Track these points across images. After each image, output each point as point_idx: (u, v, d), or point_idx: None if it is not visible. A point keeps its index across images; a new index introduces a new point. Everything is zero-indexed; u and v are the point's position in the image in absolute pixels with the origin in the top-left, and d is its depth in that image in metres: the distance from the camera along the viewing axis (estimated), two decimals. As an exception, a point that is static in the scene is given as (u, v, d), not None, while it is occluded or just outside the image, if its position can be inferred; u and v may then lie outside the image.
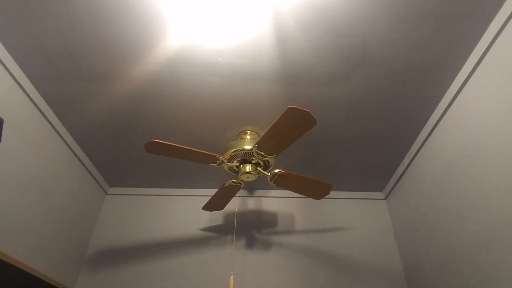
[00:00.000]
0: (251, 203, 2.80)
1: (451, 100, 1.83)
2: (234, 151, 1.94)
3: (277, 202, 2.80)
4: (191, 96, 1.91)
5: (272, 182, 2.03)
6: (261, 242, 2.59)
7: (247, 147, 1.93)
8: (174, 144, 1.76)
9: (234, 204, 2.68)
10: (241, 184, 2.09)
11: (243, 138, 2.12)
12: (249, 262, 2.48)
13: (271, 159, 1.91)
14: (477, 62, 1.62)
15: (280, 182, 2.04)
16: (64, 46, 1.63)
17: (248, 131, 2.15)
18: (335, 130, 2.14)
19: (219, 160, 1.94)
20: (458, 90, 1.77)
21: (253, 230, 2.66)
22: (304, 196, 2.71)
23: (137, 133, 2.19)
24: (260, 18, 1.51)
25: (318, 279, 2.42)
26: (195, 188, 2.82)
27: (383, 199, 2.82)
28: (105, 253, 2.52)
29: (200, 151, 1.83)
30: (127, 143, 2.29)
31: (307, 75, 1.78)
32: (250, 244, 2.58)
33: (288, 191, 2.47)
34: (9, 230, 1.72)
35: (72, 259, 2.32)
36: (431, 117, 2.02)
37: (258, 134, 2.16)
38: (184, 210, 2.74)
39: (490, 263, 1.55)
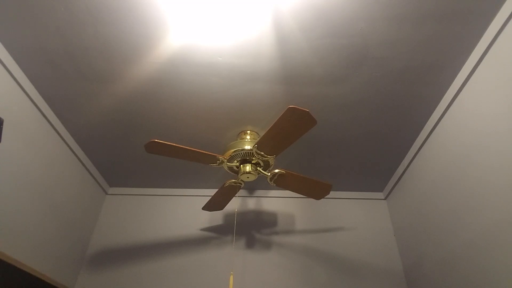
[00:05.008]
0: (251, 203, 2.80)
1: (451, 100, 1.83)
2: (234, 151, 1.94)
3: (277, 202, 2.80)
4: (191, 96, 1.91)
5: (272, 182, 2.03)
6: (261, 242, 2.59)
7: (247, 147, 1.93)
8: (174, 144, 1.76)
9: (234, 204, 2.68)
10: (241, 184, 2.09)
11: (243, 138, 2.12)
12: (249, 262, 2.48)
13: (271, 159, 1.91)
14: (477, 62, 1.62)
15: (280, 182, 2.04)
16: (64, 46, 1.63)
17: (248, 131, 2.15)
18: (335, 130, 2.14)
19: (219, 160, 1.94)
20: (458, 90, 1.77)
21: (253, 230, 2.66)
22: (304, 196, 2.71)
23: (137, 133, 2.19)
24: (260, 18, 1.51)
25: (318, 279, 2.41)
26: (195, 188, 2.82)
27: (383, 199, 2.82)
28: (105, 253, 2.52)
29: (200, 151, 1.83)
30: (127, 143, 2.29)
31: (307, 75, 1.77)
32: (250, 244, 2.58)
33: (288, 191, 2.47)
34: (9, 230, 1.72)
35: (72, 259, 2.32)
36: (431, 117, 2.02)
37: (258, 134, 2.16)
38: (184, 210, 2.74)
39: (490, 263, 1.55)
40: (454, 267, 1.83)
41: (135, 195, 2.81)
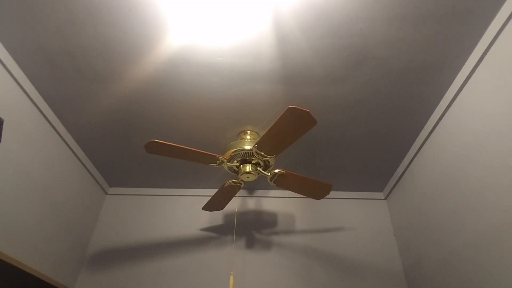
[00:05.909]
0: (251, 203, 2.80)
1: (451, 100, 1.83)
2: (234, 151, 1.94)
3: (277, 202, 2.80)
4: (191, 96, 1.91)
5: (272, 182, 2.03)
6: (261, 242, 2.59)
7: (247, 147, 1.93)
8: (174, 144, 1.76)
9: (234, 204, 2.68)
10: (241, 184, 2.09)
11: (243, 138, 2.12)
12: (249, 262, 2.48)
13: (271, 159, 1.91)
14: (477, 62, 1.62)
15: (280, 182, 2.04)
16: (64, 46, 1.63)
17: (248, 131, 2.15)
18: (335, 130, 2.14)
19: (219, 160, 1.94)
20: (458, 90, 1.77)
21: (253, 230, 2.66)
22: (304, 196, 2.71)
23: (137, 133, 2.19)
24: (260, 18, 1.51)
25: (318, 279, 2.41)
26: (195, 188, 2.82)
27: (383, 199, 2.82)
28: (105, 253, 2.52)
29: (200, 151, 1.83)
30: (127, 143, 2.29)
31: (307, 75, 1.77)
32: (250, 244, 2.58)
33: (288, 191, 2.47)
34: (9, 230, 1.72)
35: (72, 259, 2.32)
36: (431, 117, 2.02)
37: (258, 134, 2.16)
38: (184, 210, 2.74)
39: (490, 263, 1.55)
40: (454, 267, 1.83)
41: (135, 195, 2.81)
